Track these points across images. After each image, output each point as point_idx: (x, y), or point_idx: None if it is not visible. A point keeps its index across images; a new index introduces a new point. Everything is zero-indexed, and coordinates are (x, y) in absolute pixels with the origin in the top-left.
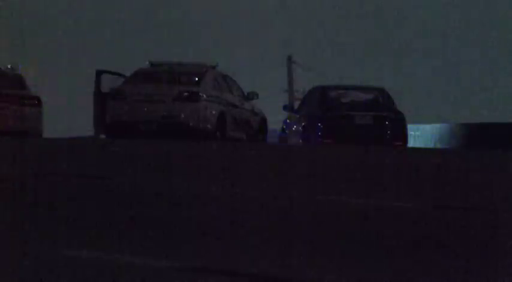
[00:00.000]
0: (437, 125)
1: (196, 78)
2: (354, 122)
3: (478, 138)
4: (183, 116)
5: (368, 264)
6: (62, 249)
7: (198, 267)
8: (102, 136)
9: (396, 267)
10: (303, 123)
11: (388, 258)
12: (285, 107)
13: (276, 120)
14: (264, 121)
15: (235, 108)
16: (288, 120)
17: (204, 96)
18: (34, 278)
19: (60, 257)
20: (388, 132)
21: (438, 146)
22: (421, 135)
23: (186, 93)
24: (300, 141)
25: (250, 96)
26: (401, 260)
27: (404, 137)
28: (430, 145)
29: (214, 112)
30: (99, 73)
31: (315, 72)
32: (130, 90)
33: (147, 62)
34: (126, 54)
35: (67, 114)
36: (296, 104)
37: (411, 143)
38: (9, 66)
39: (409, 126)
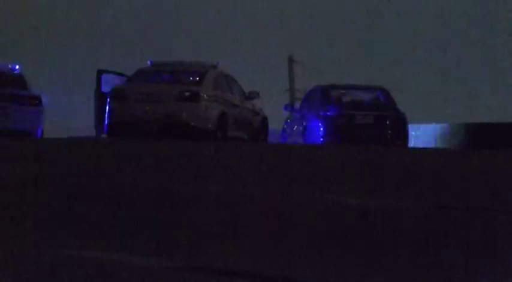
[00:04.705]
0: (438, 125)
1: (197, 78)
2: (354, 122)
3: (478, 138)
4: (184, 115)
5: (368, 264)
6: (62, 249)
7: (198, 267)
8: (103, 136)
9: (396, 267)
10: (304, 123)
11: (388, 258)
12: (285, 107)
13: (276, 119)
14: (265, 121)
15: (236, 107)
16: (288, 120)
17: (205, 95)
18: (34, 277)
19: (60, 257)
20: (389, 131)
21: (439, 145)
22: (421, 135)
23: (187, 93)
24: (301, 140)
25: (251, 95)
26: (402, 260)
27: (405, 137)
28: (431, 145)
29: (215, 112)
30: (100, 73)
31: (315, 72)
32: (131, 90)
33: (148, 62)
34: (127, 54)
35: (67, 114)
36: (297, 104)
37: (412, 142)
38: (9, 66)
39: (410, 126)
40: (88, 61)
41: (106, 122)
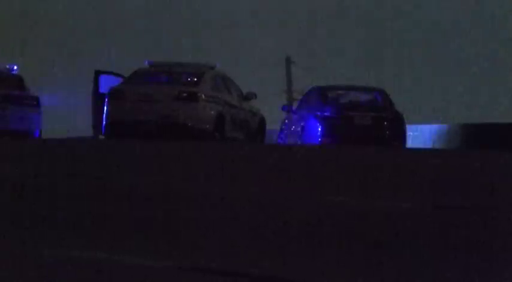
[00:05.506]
0: (437, 125)
1: (195, 79)
2: (353, 123)
3: (477, 138)
4: (181, 116)
5: (368, 265)
6: (62, 249)
7: (198, 267)
8: (101, 136)
9: (396, 267)
10: (302, 124)
11: (387, 258)
12: (283, 108)
13: (274, 120)
14: (262, 121)
15: (233, 108)
16: (286, 121)
17: (203, 96)
18: (34, 278)
19: (60, 257)
20: (387, 132)
21: (437, 146)
22: (420, 135)
23: (184, 94)
24: (299, 141)
25: (249, 96)
26: (401, 260)
27: (403, 138)
28: (429, 145)
29: (213, 112)
30: (98, 73)
31: (313, 73)
32: (129, 90)
33: (146, 62)
34: (126, 54)
35: (66, 114)
36: (295, 105)
37: (410, 143)
38: (7, 67)
39: (409, 126)
40: (87, 61)
41: (104, 122)
